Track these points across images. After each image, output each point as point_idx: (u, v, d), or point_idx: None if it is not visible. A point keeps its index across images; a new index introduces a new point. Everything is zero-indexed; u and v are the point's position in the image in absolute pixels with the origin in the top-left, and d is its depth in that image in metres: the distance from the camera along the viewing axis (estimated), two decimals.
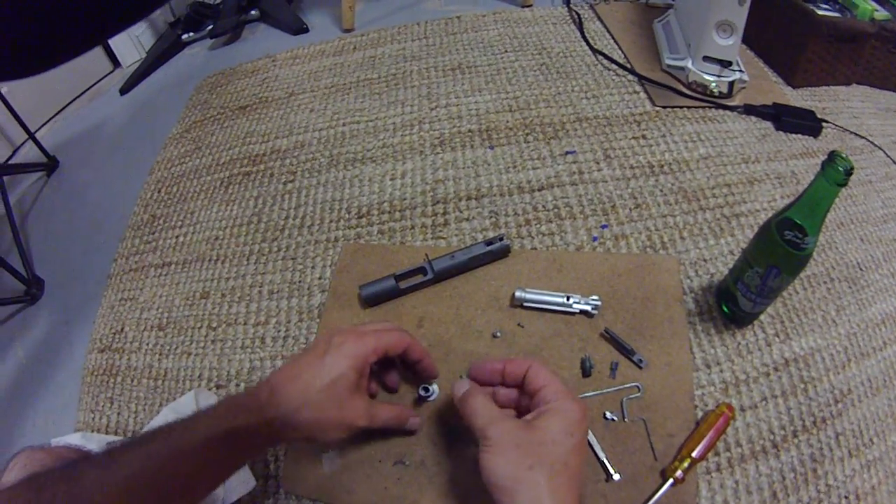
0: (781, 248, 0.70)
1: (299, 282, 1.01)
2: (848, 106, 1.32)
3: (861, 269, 0.98)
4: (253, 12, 1.90)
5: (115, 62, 1.92)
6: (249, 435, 0.60)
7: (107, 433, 0.90)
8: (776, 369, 0.83)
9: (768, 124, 1.24)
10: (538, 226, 1.03)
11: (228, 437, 0.59)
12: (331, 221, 1.10)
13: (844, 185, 0.62)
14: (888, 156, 1.20)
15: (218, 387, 0.90)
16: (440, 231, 1.04)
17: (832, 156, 0.62)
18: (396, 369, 0.80)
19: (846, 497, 0.72)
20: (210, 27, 1.84)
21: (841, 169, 0.61)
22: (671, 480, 0.69)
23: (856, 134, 1.23)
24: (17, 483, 0.53)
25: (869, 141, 1.22)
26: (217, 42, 1.86)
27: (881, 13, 1.32)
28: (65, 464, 0.56)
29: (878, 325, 0.91)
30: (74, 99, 1.82)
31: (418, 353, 0.74)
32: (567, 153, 1.16)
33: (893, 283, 0.97)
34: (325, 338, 0.67)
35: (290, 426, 0.61)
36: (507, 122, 1.26)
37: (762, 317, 0.88)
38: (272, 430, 0.61)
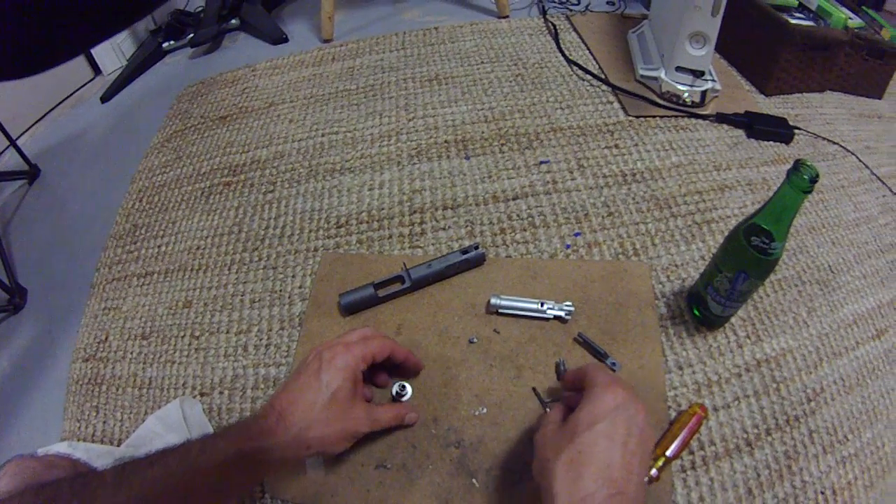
0: (749, 254, 0.72)
1: (280, 291, 1.03)
2: (821, 112, 1.35)
3: (833, 272, 1.00)
4: (233, 21, 1.90)
5: (97, 69, 1.92)
6: (264, 457, 0.63)
7: (93, 442, 0.90)
8: (748, 370, 0.86)
9: (740, 132, 1.26)
10: (513, 234, 1.05)
11: (244, 459, 0.62)
12: (310, 231, 1.12)
13: (809, 192, 0.64)
14: (861, 160, 1.23)
15: (202, 394, 0.91)
16: (417, 240, 1.06)
17: (797, 164, 0.63)
18: (384, 369, 0.84)
19: (822, 492, 0.75)
20: (191, 35, 1.84)
21: (806, 177, 0.63)
22: (646, 478, 0.71)
23: (828, 140, 1.26)
24: (23, 493, 0.55)
25: (842, 146, 1.25)
26: (197, 51, 1.87)
27: (855, 21, 1.36)
28: (73, 477, 0.57)
29: (850, 325, 0.93)
30: (55, 106, 1.81)
31: (402, 354, 0.79)
32: (541, 163, 1.19)
33: (865, 284, 1.00)
34: (315, 354, 0.72)
35: (302, 446, 0.65)
36: (483, 132, 1.28)
37: (733, 319, 0.91)
38: (285, 451, 0.64)
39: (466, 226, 1.08)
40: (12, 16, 0.31)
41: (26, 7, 0.31)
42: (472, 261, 0.97)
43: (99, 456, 0.78)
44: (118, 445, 0.88)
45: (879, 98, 1.44)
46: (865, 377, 0.88)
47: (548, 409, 0.76)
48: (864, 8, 1.45)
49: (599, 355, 0.85)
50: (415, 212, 1.12)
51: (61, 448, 0.79)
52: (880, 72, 1.38)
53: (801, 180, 0.63)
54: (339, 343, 0.72)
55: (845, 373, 0.87)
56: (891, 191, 1.19)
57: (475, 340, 0.89)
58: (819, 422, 0.81)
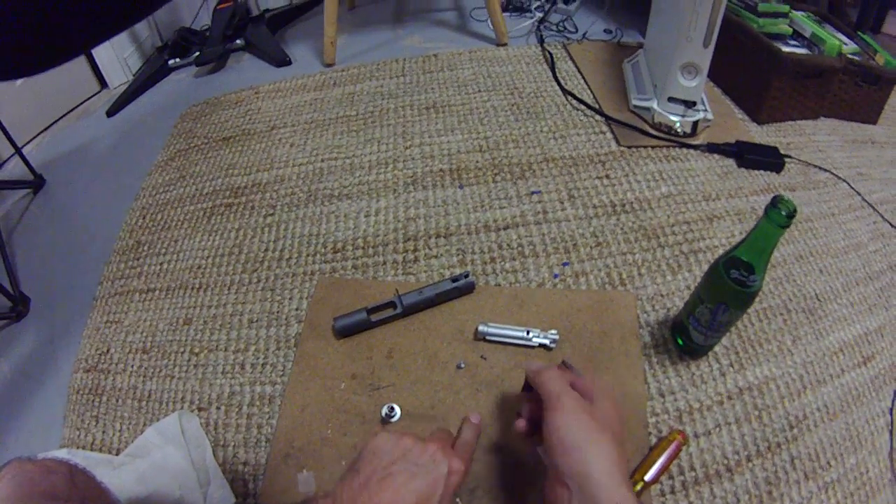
0: (728, 286, 0.75)
1: (277, 312, 1.05)
2: (813, 140, 1.38)
3: (819, 300, 1.02)
4: (238, 41, 1.95)
5: (103, 83, 1.95)
6: None
7: (92, 450, 0.93)
8: (730, 397, 0.88)
9: (731, 161, 1.29)
10: (502, 263, 1.09)
11: None
12: (308, 255, 1.15)
13: (787, 227, 0.66)
14: (852, 187, 1.25)
15: (200, 409, 0.94)
16: (410, 267, 1.10)
17: (775, 200, 0.66)
18: None
19: None
20: (196, 54, 1.88)
21: (783, 212, 0.65)
22: None
23: (819, 167, 1.29)
24: None
25: (833, 174, 1.28)
26: (202, 69, 1.90)
27: (849, 47, 1.38)
28: None
29: (836, 353, 0.95)
30: (62, 117, 1.83)
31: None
32: (532, 193, 1.22)
33: (853, 311, 1.02)
34: (424, 449, 0.60)
35: None
36: (477, 161, 1.31)
37: (717, 348, 0.93)
38: None
39: (458, 254, 1.11)
40: (13, 14, 0.32)
41: (27, 6, 0.32)
42: (461, 289, 1.00)
43: (98, 464, 0.80)
44: (117, 454, 0.90)
45: (874, 123, 1.46)
46: (850, 404, 0.89)
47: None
48: (859, 32, 1.46)
49: None
50: (409, 239, 1.15)
51: (60, 455, 0.80)
52: (874, 97, 1.41)
53: (778, 215, 0.65)
54: (446, 443, 0.64)
55: (829, 400, 0.89)
56: (882, 217, 1.21)
57: (463, 366, 0.92)
58: (801, 448, 0.83)
